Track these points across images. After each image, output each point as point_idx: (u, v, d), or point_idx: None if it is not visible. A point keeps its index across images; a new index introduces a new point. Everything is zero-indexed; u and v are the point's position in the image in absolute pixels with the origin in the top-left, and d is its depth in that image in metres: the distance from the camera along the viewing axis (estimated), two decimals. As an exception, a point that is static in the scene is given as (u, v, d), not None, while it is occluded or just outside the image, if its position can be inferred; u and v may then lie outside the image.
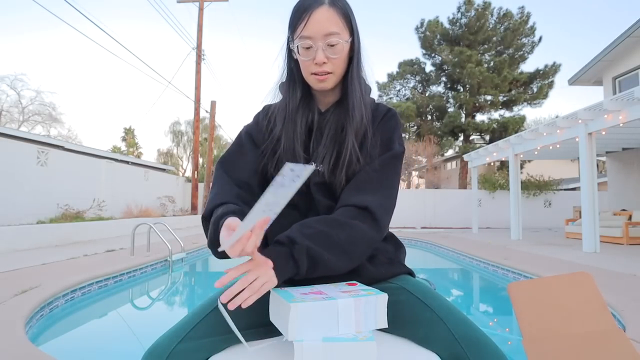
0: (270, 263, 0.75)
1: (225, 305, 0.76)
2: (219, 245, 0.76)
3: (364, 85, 1.02)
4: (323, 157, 0.97)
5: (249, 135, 1.05)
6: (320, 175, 0.97)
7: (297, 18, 0.91)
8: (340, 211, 0.89)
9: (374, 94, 1.08)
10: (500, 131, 18.55)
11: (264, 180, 1.02)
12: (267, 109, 1.08)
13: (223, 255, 0.80)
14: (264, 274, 0.74)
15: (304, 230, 0.83)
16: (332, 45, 0.91)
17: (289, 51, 0.99)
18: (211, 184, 1.03)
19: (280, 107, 1.03)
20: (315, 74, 0.93)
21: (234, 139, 1.09)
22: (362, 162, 0.96)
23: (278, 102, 1.06)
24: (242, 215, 0.79)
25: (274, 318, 0.78)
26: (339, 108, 1.00)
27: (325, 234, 0.83)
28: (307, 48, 0.91)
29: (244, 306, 0.71)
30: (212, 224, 0.85)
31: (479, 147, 15.74)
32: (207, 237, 0.90)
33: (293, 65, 1.01)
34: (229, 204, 0.90)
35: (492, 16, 19.13)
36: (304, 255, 0.80)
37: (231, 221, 0.74)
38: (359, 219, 0.87)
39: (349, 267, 0.87)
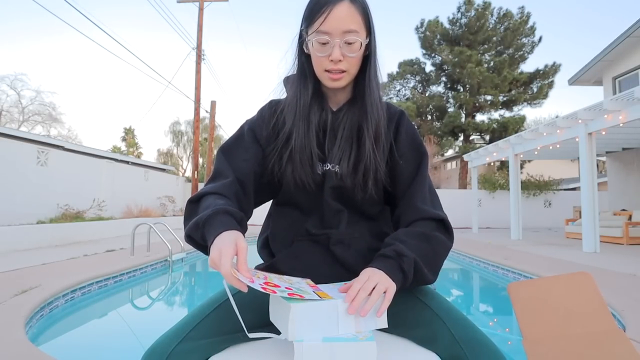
0: (381, 272, 0.77)
1: (234, 296, 0.76)
2: (199, 226, 0.79)
3: (380, 85, 1.00)
4: (340, 158, 0.95)
5: (251, 132, 1.00)
6: (337, 178, 0.95)
7: (316, 11, 0.87)
8: (421, 224, 0.90)
9: None
10: (500, 131, 18.54)
11: (265, 180, 0.99)
12: (273, 104, 1.04)
13: (197, 242, 0.82)
14: (381, 279, 0.75)
15: (405, 244, 0.83)
16: (350, 44, 0.88)
17: (301, 44, 0.96)
18: (212, 168, 0.99)
19: (290, 103, 0.98)
20: (328, 71, 0.91)
21: (236, 130, 1.04)
22: (382, 164, 0.95)
23: (285, 98, 1.02)
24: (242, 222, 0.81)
25: (274, 318, 0.78)
26: (353, 108, 0.97)
27: (421, 248, 0.84)
28: (324, 44, 0.88)
29: (363, 315, 0.71)
30: (210, 209, 0.80)
31: (479, 147, 15.74)
32: (187, 218, 0.86)
33: (304, 59, 0.97)
34: (229, 200, 0.87)
35: (492, 16, 19.12)
36: (412, 267, 0.81)
37: (242, 244, 0.73)
38: (440, 232, 0.90)
39: (433, 280, 0.88)
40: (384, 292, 0.73)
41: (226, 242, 0.71)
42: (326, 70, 0.91)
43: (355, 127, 0.96)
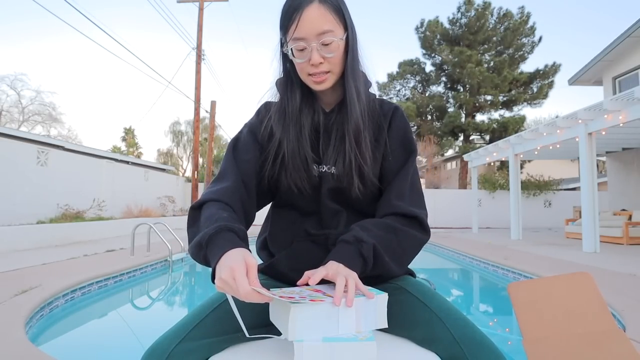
0: (341, 265, 0.79)
1: (234, 297, 0.76)
2: (204, 243, 0.77)
3: (364, 81, 0.99)
4: (335, 159, 0.94)
5: (252, 134, 1.00)
6: (334, 179, 0.95)
7: (288, 19, 0.87)
8: (391, 218, 0.91)
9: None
10: (500, 131, 18.54)
11: (264, 183, 0.99)
12: (269, 105, 1.04)
13: (200, 262, 0.80)
14: (347, 274, 0.76)
15: (366, 231, 0.85)
16: (327, 44, 0.86)
17: (284, 51, 0.95)
18: (221, 163, 0.99)
19: (278, 109, 0.98)
20: (312, 75, 0.90)
21: (237, 132, 1.04)
22: (371, 162, 0.95)
23: (276, 101, 1.02)
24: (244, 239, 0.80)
25: (274, 318, 0.78)
26: (345, 107, 0.96)
27: (384, 238, 0.86)
28: (301, 50, 0.87)
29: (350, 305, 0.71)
30: (212, 224, 0.79)
31: (479, 147, 15.74)
32: (191, 227, 0.85)
33: (289, 65, 0.96)
34: (232, 210, 0.87)
35: (492, 16, 19.12)
36: (371, 253, 0.83)
37: (251, 260, 0.71)
38: (410, 227, 0.90)
39: (399, 271, 0.90)
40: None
41: (236, 261, 0.69)
42: (310, 75, 0.91)
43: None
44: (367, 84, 1.02)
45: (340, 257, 0.81)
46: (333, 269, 0.78)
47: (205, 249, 0.77)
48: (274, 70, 1.00)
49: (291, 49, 0.88)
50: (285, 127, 0.96)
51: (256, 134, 1.00)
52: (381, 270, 0.86)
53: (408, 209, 0.91)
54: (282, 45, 0.94)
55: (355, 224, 0.89)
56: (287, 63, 0.97)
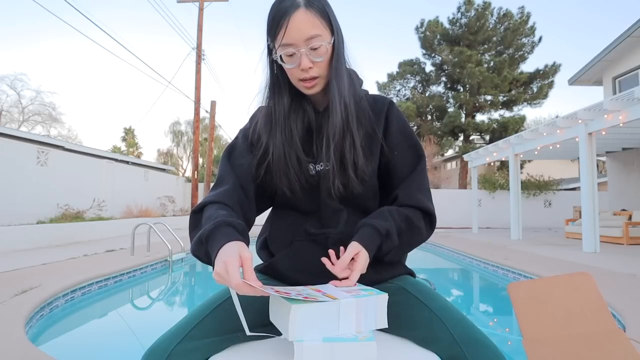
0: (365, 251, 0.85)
1: (237, 294, 0.76)
2: (206, 240, 0.79)
3: (356, 79, 1.00)
4: (329, 157, 0.95)
5: (245, 139, 1.02)
6: (331, 177, 0.95)
7: (275, 26, 0.87)
8: (412, 211, 0.94)
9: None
10: (500, 131, 18.54)
11: (261, 187, 1.00)
12: (262, 109, 1.04)
13: (202, 259, 0.82)
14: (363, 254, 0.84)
15: (396, 224, 0.90)
16: (315, 49, 0.87)
17: (271, 57, 0.95)
18: (217, 172, 1.01)
19: (265, 114, 0.99)
20: (303, 80, 0.91)
21: (233, 138, 1.07)
22: (363, 159, 0.95)
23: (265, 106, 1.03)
24: (243, 231, 0.82)
25: (274, 318, 0.78)
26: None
27: (403, 234, 0.91)
28: (291, 55, 0.88)
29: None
30: (212, 221, 0.81)
31: (479, 147, 15.74)
32: (192, 230, 0.87)
33: (277, 70, 0.97)
34: (231, 210, 0.88)
35: (492, 16, 19.12)
36: (390, 249, 0.89)
37: (246, 254, 0.73)
38: (424, 223, 0.95)
39: (394, 260, 0.96)
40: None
41: (230, 254, 0.71)
42: (300, 80, 0.91)
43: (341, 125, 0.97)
44: (358, 81, 1.02)
45: (365, 241, 0.86)
46: (357, 251, 0.84)
47: (206, 245, 0.79)
48: (261, 75, 1.01)
49: (280, 55, 0.89)
50: (272, 132, 0.97)
51: (249, 138, 1.02)
52: (385, 257, 0.91)
53: (427, 204, 0.95)
54: (270, 52, 0.94)
55: (386, 209, 0.92)
56: (275, 68, 0.97)
